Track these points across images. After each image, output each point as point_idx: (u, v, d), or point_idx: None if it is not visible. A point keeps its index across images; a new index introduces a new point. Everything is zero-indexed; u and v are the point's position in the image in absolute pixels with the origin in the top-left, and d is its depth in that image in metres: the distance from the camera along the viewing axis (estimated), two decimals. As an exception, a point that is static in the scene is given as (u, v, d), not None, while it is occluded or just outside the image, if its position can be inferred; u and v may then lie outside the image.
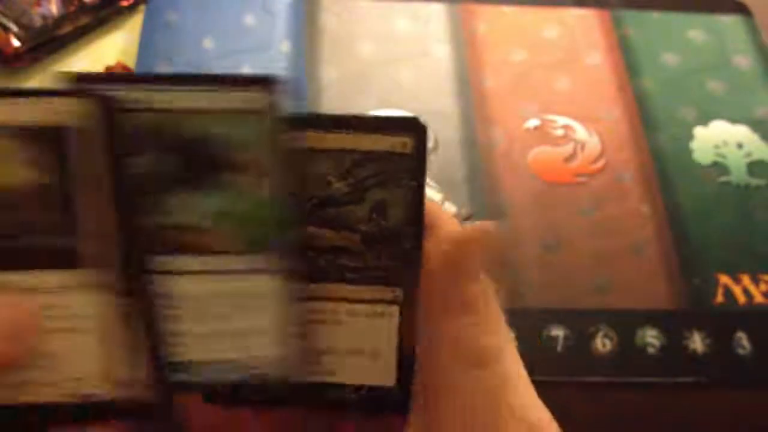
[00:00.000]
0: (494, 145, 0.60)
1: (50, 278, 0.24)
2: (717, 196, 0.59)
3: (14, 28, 0.57)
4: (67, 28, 0.60)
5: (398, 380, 0.26)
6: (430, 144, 0.57)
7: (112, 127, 0.24)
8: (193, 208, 0.25)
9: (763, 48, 0.68)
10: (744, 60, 0.67)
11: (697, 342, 0.51)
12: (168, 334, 0.25)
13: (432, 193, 0.55)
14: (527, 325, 0.50)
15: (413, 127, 0.26)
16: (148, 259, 0.25)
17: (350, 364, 0.26)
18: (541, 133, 0.61)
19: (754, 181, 0.60)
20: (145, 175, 0.25)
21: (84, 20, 0.61)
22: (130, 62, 0.61)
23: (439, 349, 0.25)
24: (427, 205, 0.27)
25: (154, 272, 0.25)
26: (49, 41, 0.60)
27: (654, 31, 0.69)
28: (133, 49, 0.62)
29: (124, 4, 0.63)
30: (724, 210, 0.58)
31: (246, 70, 0.62)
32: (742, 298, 0.54)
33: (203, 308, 0.25)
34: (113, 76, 0.25)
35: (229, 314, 0.25)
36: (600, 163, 0.59)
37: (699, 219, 0.57)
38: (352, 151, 0.26)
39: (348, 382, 0.26)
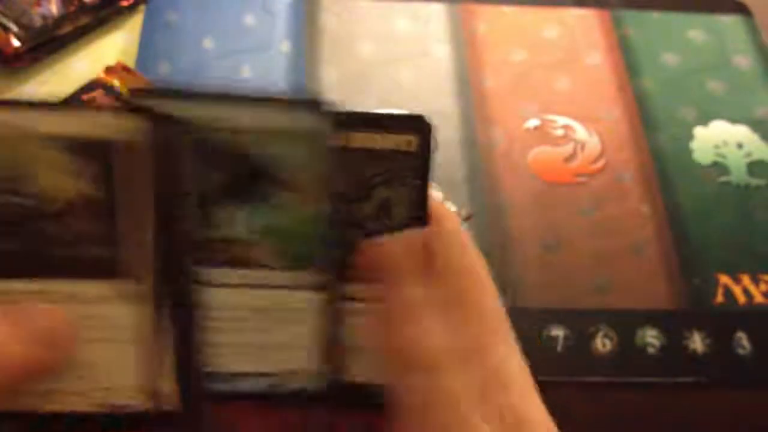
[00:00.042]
0: (494, 145, 0.60)
1: (90, 288, 0.25)
2: (717, 196, 0.59)
3: (14, 28, 0.57)
4: (67, 28, 0.60)
5: None
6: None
7: (159, 143, 0.24)
8: (241, 222, 0.25)
9: (763, 48, 0.68)
10: (744, 60, 0.67)
11: (697, 342, 0.51)
12: (208, 345, 0.25)
13: (432, 192, 0.55)
14: (527, 325, 0.50)
15: (419, 126, 0.26)
16: (193, 271, 0.25)
17: (365, 361, 0.27)
18: (541, 133, 0.61)
19: (754, 181, 0.60)
20: (196, 188, 0.25)
21: (84, 20, 0.61)
22: (130, 62, 0.61)
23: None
24: (432, 204, 0.27)
25: (199, 283, 0.25)
26: (49, 41, 0.60)
27: (654, 31, 0.69)
28: (133, 49, 0.62)
29: (124, 4, 0.63)
30: (724, 210, 0.58)
31: (246, 70, 0.62)
32: (742, 298, 0.54)
33: (244, 320, 0.25)
34: (166, 91, 0.25)
35: (270, 327, 0.25)
36: (600, 163, 0.59)
37: (699, 219, 0.57)
38: (358, 149, 0.26)
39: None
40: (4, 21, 0.57)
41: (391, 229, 0.26)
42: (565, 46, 0.66)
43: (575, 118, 0.62)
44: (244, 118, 0.25)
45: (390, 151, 0.26)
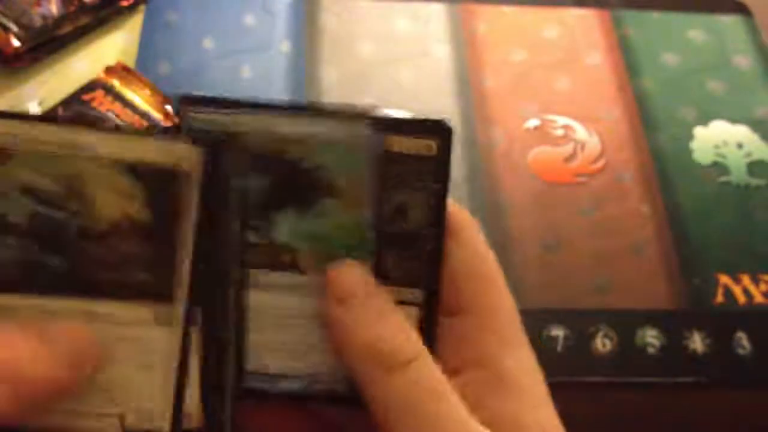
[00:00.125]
0: (494, 145, 0.60)
1: (127, 310, 0.25)
2: (717, 196, 0.59)
3: (14, 28, 0.57)
4: (67, 28, 0.60)
5: None
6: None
7: (210, 171, 0.25)
8: (285, 227, 0.26)
9: (763, 48, 0.68)
10: (744, 60, 0.67)
11: (697, 342, 0.51)
12: (245, 346, 0.26)
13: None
14: (527, 325, 0.50)
15: (439, 130, 0.27)
16: (234, 273, 0.26)
17: None
18: (541, 133, 0.61)
19: (754, 181, 0.60)
20: (244, 194, 0.26)
21: (84, 20, 0.61)
22: (130, 62, 0.61)
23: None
24: (452, 210, 0.27)
25: (240, 286, 0.26)
26: (49, 41, 0.60)
27: (654, 31, 0.69)
28: (133, 49, 0.62)
29: (124, 4, 0.63)
30: (724, 210, 0.58)
31: (246, 70, 0.62)
32: (742, 298, 0.54)
33: (283, 322, 0.26)
34: (220, 101, 0.26)
35: (307, 330, 0.26)
36: (600, 163, 0.59)
37: (699, 219, 0.57)
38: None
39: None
40: (4, 21, 0.57)
41: (408, 233, 0.26)
42: (565, 46, 0.66)
43: (575, 118, 0.62)
44: (292, 127, 0.26)
45: (409, 155, 0.26)
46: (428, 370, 0.24)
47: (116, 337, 0.25)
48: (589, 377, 0.50)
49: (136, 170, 0.25)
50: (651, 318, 0.52)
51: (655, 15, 0.70)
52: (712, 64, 0.67)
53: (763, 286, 0.54)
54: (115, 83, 0.57)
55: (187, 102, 0.26)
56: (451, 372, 0.24)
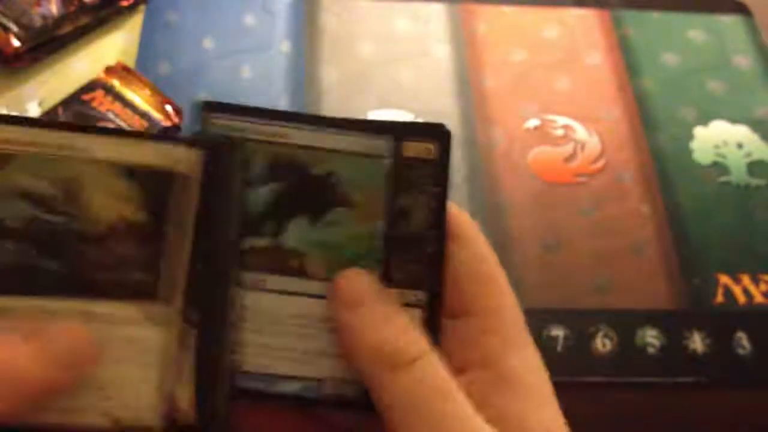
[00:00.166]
0: (494, 145, 0.60)
1: (122, 310, 0.25)
2: (717, 196, 0.59)
3: (14, 28, 0.57)
4: (67, 28, 0.60)
5: None
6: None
7: (212, 174, 0.25)
8: (296, 233, 0.26)
9: (763, 48, 0.68)
10: (744, 60, 0.67)
11: (697, 342, 0.51)
12: (245, 346, 0.26)
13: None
14: (527, 325, 0.50)
15: (438, 134, 0.27)
16: (234, 275, 0.26)
17: None
18: (541, 133, 0.61)
19: (754, 181, 0.60)
20: (256, 201, 0.26)
21: (84, 20, 0.61)
22: (130, 62, 0.61)
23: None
24: (453, 212, 0.27)
25: (243, 287, 0.26)
26: (49, 41, 0.60)
27: (654, 31, 0.69)
28: (133, 49, 0.62)
29: (124, 4, 0.63)
30: (724, 210, 0.58)
31: (246, 70, 0.62)
32: (742, 298, 0.54)
33: (288, 325, 0.26)
34: (241, 108, 0.26)
35: (313, 334, 0.26)
36: (600, 163, 0.59)
37: (699, 219, 0.57)
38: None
39: None
40: (4, 21, 0.57)
41: (410, 237, 0.27)
42: (565, 46, 0.66)
43: (575, 118, 0.62)
44: (311, 137, 0.26)
45: (409, 158, 0.27)
46: (433, 369, 0.24)
47: (113, 337, 0.25)
48: (589, 377, 0.50)
49: (133, 173, 0.25)
50: (651, 318, 0.52)
51: (655, 15, 0.70)
52: (712, 64, 0.67)
53: (763, 286, 0.54)
54: (115, 83, 0.57)
55: (208, 108, 0.26)
56: (456, 372, 0.25)
